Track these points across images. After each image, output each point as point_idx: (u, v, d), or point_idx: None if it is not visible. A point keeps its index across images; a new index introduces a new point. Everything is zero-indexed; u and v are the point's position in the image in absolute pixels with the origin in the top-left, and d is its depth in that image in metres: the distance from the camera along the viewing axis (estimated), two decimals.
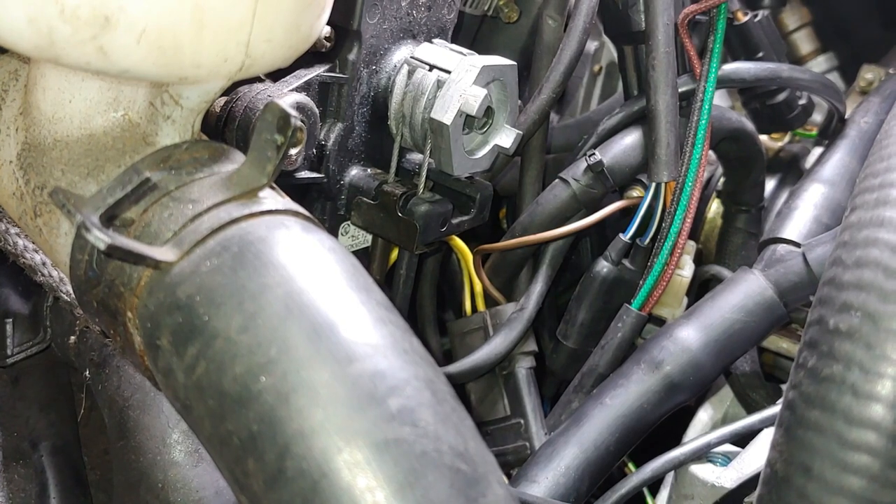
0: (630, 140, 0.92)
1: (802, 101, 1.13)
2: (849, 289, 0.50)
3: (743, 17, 1.12)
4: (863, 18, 1.44)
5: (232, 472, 0.43)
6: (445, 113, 0.73)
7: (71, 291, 0.57)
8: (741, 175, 1.09)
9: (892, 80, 1.17)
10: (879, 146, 0.58)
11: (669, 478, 0.81)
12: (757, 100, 1.12)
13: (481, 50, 0.78)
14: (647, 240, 0.90)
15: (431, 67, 0.76)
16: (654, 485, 0.81)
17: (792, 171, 1.18)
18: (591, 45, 1.26)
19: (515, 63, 0.78)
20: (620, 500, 0.75)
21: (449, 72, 0.75)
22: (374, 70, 0.77)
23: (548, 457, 0.78)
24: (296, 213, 0.51)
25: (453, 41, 0.81)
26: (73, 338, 0.82)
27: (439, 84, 0.75)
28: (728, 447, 0.77)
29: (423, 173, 0.77)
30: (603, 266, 0.92)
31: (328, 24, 0.69)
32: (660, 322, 0.96)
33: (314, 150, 0.75)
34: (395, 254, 0.88)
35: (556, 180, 0.91)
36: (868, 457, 0.47)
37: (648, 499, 0.89)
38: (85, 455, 0.89)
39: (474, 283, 0.94)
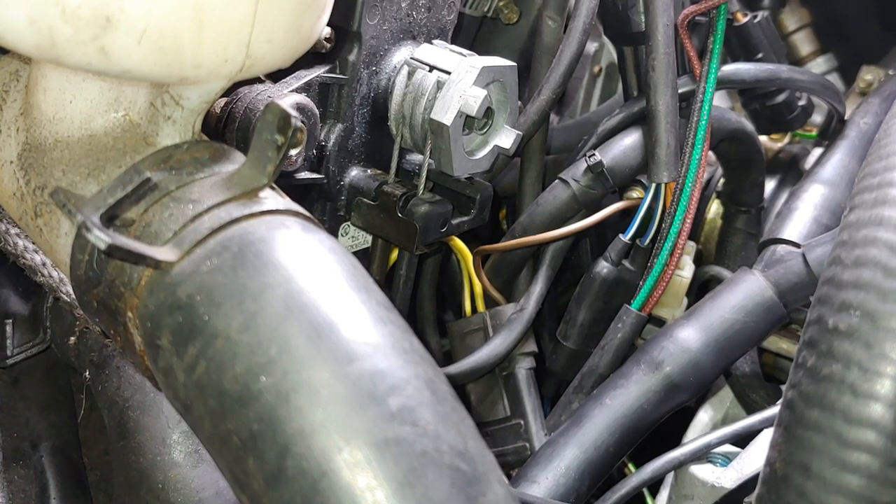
0: (630, 141, 0.92)
1: (802, 102, 1.14)
2: (848, 288, 0.51)
3: (742, 18, 1.12)
4: (862, 19, 1.44)
5: (232, 471, 0.43)
6: (445, 114, 0.73)
7: (71, 292, 0.57)
8: (741, 176, 1.09)
9: (891, 80, 1.17)
10: (878, 146, 0.58)
11: (669, 478, 0.81)
12: (757, 101, 1.12)
13: (481, 51, 0.78)
14: (647, 240, 0.91)
15: (431, 68, 0.76)
16: (654, 485, 0.81)
17: (792, 172, 1.18)
18: (591, 47, 1.26)
19: (515, 64, 0.78)
20: (620, 501, 0.75)
21: (449, 73, 0.75)
22: (374, 71, 0.77)
23: (548, 457, 0.78)
24: (296, 213, 0.51)
25: (453, 42, 0.81)
26: (73, 338, 0.82)
27: (439, 85, 0.75)
28: (728, 448, 0.77)
29: (423, 174, 0.78)
30: (603, 267, 0.92)
31: (328, 24, 0.69)
32: (660, 322, 0.96)
33: (314, 151, 0.75)
34: (394, 254, 0.88)
35: (556, 181, 0.91)
36: (867, 456, 0.47)
37: (648, 499, 0.89)
38: (85, 456, 0.89)
39: (474, 283, 0.94)
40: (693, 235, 1.12)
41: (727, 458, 0.76)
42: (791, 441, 0.51)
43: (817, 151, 1.17)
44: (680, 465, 0.76)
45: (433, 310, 1.01)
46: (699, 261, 1.11)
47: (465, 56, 0.76)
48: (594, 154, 0.89)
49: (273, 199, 0.51)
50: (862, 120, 1.09)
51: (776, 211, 1.09)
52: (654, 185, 0.89)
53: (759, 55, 1.12)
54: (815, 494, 0.49)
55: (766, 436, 0.76)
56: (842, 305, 0.50)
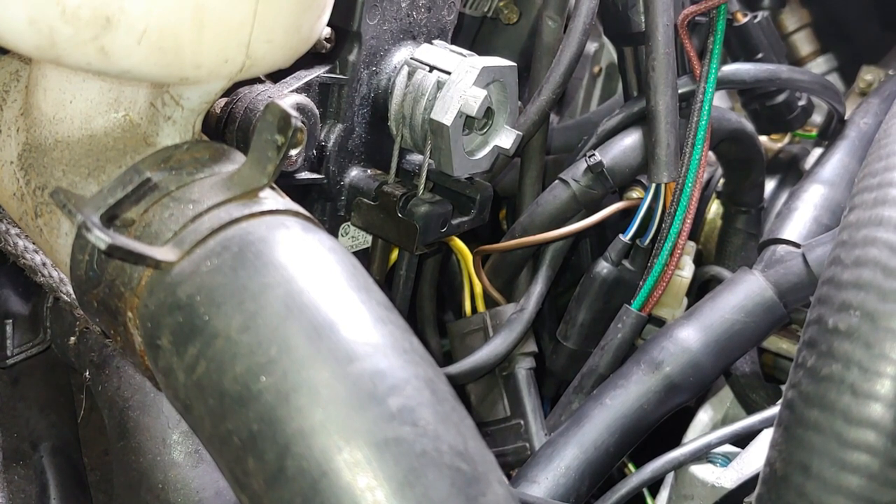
0: (630, 141, 0.92)
1: (802, 102, 1.14)
2: (848, 288, 0.51)
3: (742, 19, 1.12)
4: (862, 19, 1.44)
5: (232, 471, 0.43)
6: (445, 114, 0.73)
7: (71, 292, 0.57)
8: (741, 176, 1.09)
9: (891, 81, 1.17)
10: (878, 146, 0.58)
11: (669, 478, 0.81)
12: (757, 101, 1.12)
13: (481, 51, 0.78)
14: (647, 240, 0.91)
15: (431, 68, 0.76)
16: (654, 485, 0.81)
17: (792, 172, 1.18)
18: (591, 47, 1.26)
19: (515, 64, 0.78)
20: (620, 501, 0.75)
21: (449, 73, 0.75)
22: (374, 71, 0.77)
23: (548, 457, 0.78)
24: (296, 214, 0.51)
25: (453, 42, 0.81)
26: (73, 338, 0.82)
27: (439, 85, 0.75)
28: (728, 448, 0.77)
29: (423, 174, 0.78)
30: (603, 267, 0.92)
31: (328, 25, 0.69)
32: (660, 323, 0.96)
33: (314, 151, 0.75)
34: (394, 254, 0.88)
35: (556, 181, 0.91)
36: (867, 456, 0.47)
37: (648, 499, 0.89)
38: (85, 456, 0.89)
39: (474, 283, 0.94)
40: (693, 235, 1.12)
41: (727, 458, 0.76)
42: (791, 441, 0.51)
43: (817, 151, 1.17)
44: (680, 465, 0.76)
45: (433, 310, 1.01)
46: (699, 261, 1.11)
47: (465, 56, 0.76)
48: (594, 154, 0.89)
49: (273, 199, 0.51)
50: (862, 120, 1.09)
51: (776, 211, 1.09)
52: (654, 186, 0.89)
53: (759, 55, 1.12)
54: (815, 494, 0.49)
55: (766, 436, 0.76)
56: (842, 305, 0.50)
